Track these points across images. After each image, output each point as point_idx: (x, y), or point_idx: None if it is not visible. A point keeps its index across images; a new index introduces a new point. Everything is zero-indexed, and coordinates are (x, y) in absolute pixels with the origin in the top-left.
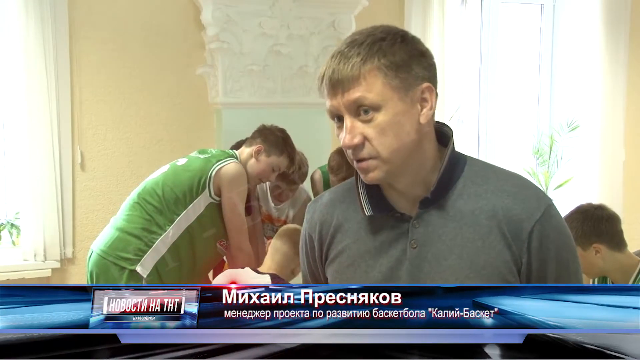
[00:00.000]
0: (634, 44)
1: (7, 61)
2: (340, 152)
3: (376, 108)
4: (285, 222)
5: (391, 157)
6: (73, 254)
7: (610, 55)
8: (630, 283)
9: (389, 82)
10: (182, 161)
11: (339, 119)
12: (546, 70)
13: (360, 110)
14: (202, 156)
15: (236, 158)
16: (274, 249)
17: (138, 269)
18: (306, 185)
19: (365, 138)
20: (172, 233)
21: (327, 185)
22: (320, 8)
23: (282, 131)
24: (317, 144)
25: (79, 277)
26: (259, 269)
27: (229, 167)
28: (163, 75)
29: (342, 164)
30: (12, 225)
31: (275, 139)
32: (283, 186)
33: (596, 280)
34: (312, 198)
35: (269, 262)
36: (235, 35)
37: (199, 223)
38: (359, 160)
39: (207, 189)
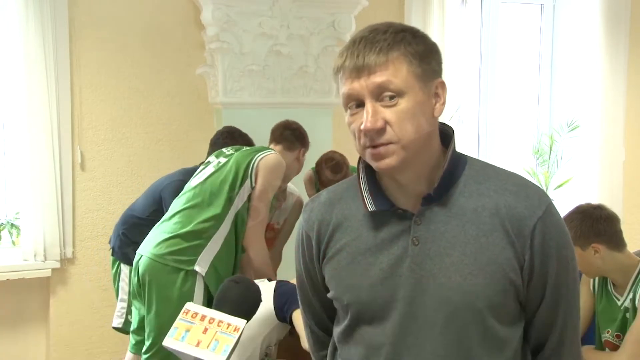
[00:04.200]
0: (634, 44)
1: (8, 61)
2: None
3: (400, 94)
4: (273, 229)
5: (409, 144)
6: (73, 254)
7: (610, 55)
8: (630, 283)
9: (414, 70)
10: (223, 160)
11: (356, 105)
12: (546, 70)
13: (384, 95)
14: (243, 150)
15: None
16: None
17: (196, 267)
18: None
19: (387, 122)
20: (222, 231)
21: (317, 185)
22: (320, 8)
23: (299, 124)
24: (317, 144)
25: (78, 277)
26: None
27: (272, 156)
28: (163, 75)
29: (343, 166)
30: (12, 225)
31: (305, 138)
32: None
33: (596, 280)
34: (302, 200)
35: None
36: (235, 35)
37: (241, 215)
38: (376, 146)
39: (248, 179)
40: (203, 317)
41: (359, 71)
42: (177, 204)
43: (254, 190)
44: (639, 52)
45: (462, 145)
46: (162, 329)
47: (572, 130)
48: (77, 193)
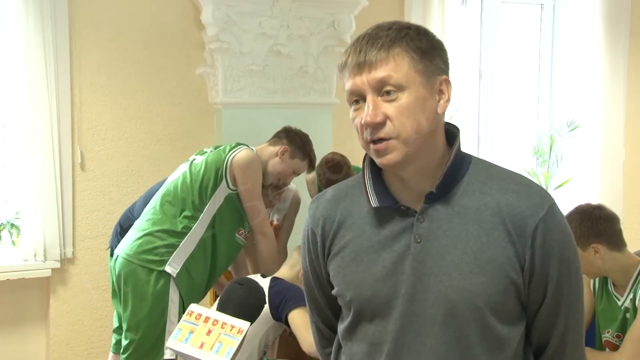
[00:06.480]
0: (634, 44)
1: (8, 61)
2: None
3: (401, 88)
4: (271, 224)
5: (410, 139)
6: (73, 254)
7: (610, 55)
8: (630, 283)
9: (415, 65)
10: (198, 159)
11: (357, 101)
12: (546, 70)
13: (384, 90)
14: (215, 150)
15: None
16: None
17: (167, 268)
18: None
19: (387, 117)
20: (197, 230)
21: (319, 185)
22: (320, 8)
23: (307, 136)
24: (317, 144)
25: (78, 277)
26: (276, 275)
27: (241, 153)
28: (163, 75)
29: (343, 166)
30: (12, 225)
31: (301, 143)
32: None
33: (596, 280)
34: (300, 194)
35: (284, 268)
36: (235, 35)
37: (220, 216)
38: (377, 141)
39: (224, 180)
40: (207, 319)
41: (361, 67)
42: (152, 201)
43: (240, 192)
44: (639, 52)
45: (462, 145)
46: (139, 327)
47: (572, 130)
48: (77, 193)
